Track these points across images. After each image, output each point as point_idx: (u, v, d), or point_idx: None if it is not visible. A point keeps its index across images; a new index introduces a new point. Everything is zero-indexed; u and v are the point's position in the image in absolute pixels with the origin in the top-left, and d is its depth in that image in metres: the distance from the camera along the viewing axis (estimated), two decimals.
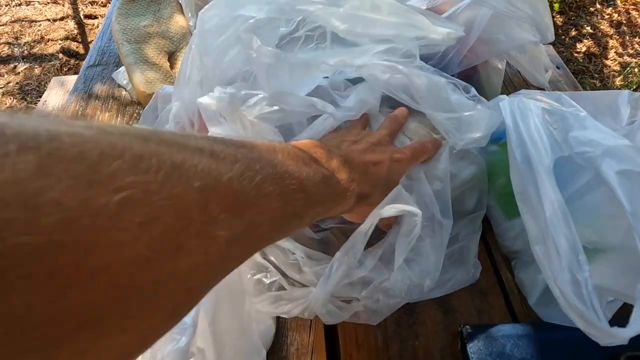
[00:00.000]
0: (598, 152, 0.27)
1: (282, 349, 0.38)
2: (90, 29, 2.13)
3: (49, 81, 1.07)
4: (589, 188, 0.29)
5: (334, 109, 0.32)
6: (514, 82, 0.70)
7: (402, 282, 0.30)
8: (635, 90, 1.41)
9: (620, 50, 2.06)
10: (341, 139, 0.32)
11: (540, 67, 0.61)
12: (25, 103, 1.80)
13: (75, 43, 2.04)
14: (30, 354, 0.09)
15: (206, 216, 0.13)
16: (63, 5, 2.29)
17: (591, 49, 2.07)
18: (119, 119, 0.62)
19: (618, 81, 1.89)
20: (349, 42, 0.36)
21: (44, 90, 1.01)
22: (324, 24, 0.32)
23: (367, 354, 0.39)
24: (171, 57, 0.63)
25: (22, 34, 2.09)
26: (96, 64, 0.70)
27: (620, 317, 0.26)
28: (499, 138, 0.42)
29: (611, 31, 2.16)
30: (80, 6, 2.26)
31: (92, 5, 2.29)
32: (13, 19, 2.15)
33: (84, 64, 0.71)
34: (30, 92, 1.87)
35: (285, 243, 0.31)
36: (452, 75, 0.57)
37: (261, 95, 0.30)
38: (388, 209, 0.28)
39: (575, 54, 2.05)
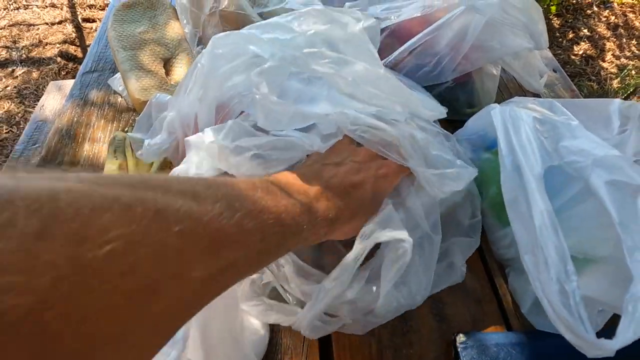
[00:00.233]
0: (588, 162, 0.27)
1: (276, 358, 0.38)
2: (89, 33, 2.13)
3: (47, 85, 1.07)
4: (580, 198, 0.29)
5: (320, 144, 0.32)
6: (509, 88, 0.71)
7: (390, 304, 0.30)
8: (632, 92, 1.42)
9: (617, 52, 2.07)
10: (323, 162, 0.31)
11: (535, 73, 0.61)
12: (23, 107, 1.80)
13: (73, 47, 2.04)
14: None
15: (183, 259, 0.14)
16: (61, 9, 2.29)
17: (588, 51, 2.07)
18: (114, 125, 0.62)
19: (615, 83, 1.90)
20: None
21: (42, 94, 1.01)
22: (331, 84, 0.34)
23: None
24: (167, 63, 0.63)
25: (20, 38, 2.09)
26: (92, 70, 0.70)
27: (612, 327, 0.26)
28: (492, 146, 0.42)
29: (608, 33, 2.17)
30: (79, 10, 2.27)
31: (90, 8, 2.29)
32: (11, 23, 2.16)
33: (80, 70, 0.71)
34: (28, 96, 1.87)
35: None
36: (446, 82, 0.57)
37: (252, 147, 0.31)
38: (378, 236, 0.28)
39: (573, 57, 2.06)
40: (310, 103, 0.33)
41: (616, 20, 2.25)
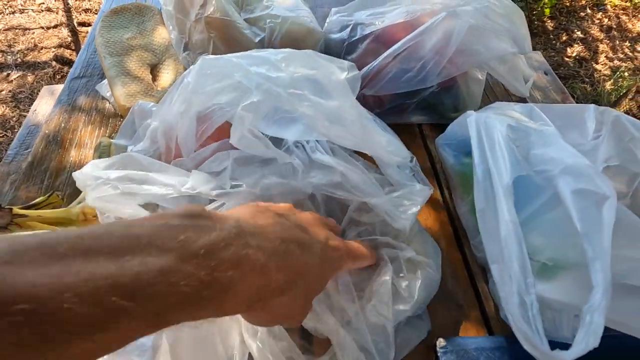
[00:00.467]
0: (556, 171, 0.27)
1: None
2: (84, 37, 2.13)
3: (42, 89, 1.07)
4: (549, 206, 0.29)
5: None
6: (496, 92, 0.71)
7: None
8: (625, 94, 1.43)
9: (610, 54, 2.08)
10: (257, 211, 0.24)
11: (520, 77, 0.61)
12: (17, 111, 1.80)
13: (68, 51, 2.04)
14: None
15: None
16: (57, 13, 2.30)
17: (582, 53, 2.08)
18: (102, 130, 0.62)
19: (608, 85, 1.91)
20: None
21: (37, 98, 1.01)
22: (309, 123, 0.35)
23: None
24: (154, 69, 0.63)
25: (16, 42, 2.09)
26: (81, 75, 0.70)
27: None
28: (472, 151, 0.43)
29: (601, 36, 2.18)
30: (74, 14, 2.27)
31: (85, 12, 2.29)
32: (7, 27, 2.16)
33: (69, 76, 0.71)
34: (23, 100, 1.88)
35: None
36: (431, 87, 0.58)
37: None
38: None
39: (566, 59, 2.07)
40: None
41: (609, 22, 2.27)
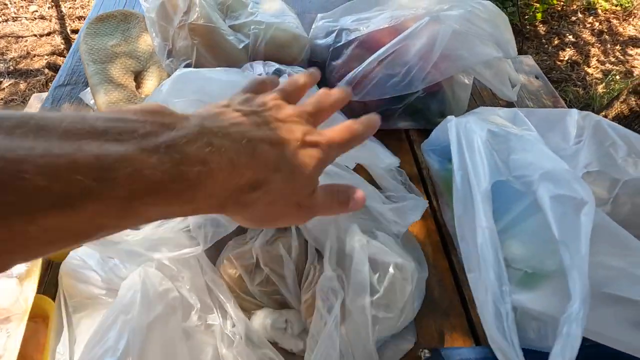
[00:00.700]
0: (535, 176, 0.27)
1: None
2: None
3: None
4: (529, 212, 0.28)
5: None
6: (483, 97, 0.71)
7: None
8: (616, 97, 1.43)
9: (602, 58, 2.09)
10: (223, 110, 0.22)
11: (506, 81, 0.61)
12: None
13: (61, 58, 2.04)
14: None
15: None
16: (50, 21, 2.29)
17: (574, 57, 2.10)
18: None
19: (600, 89, 1.92)
20: None
21: (27, 107, 1.00)
22: None
23: None
24: (138, 76, 0.63)
25: (8, 50, 2.09)
26: (65, 83, 0.70)
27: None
28: None
29: (593, 39, 2.20)
30: (68, 21, 2.27)
31: (79, 20, 2.29)
32: (0, 35, 2.15)
33: (53, 83, 0.70)
34: (15, 108, 1.87)
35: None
36: (417, 92, 0.57)
37: None
38: None
39: (558, 62, 2.08)
40: None
41: (600, 26, 2.29)
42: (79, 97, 0.66)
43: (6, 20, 2.26)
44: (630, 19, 2.30)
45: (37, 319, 0.38)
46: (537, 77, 1.50)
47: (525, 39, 2.17)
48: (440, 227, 0.51)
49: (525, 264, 0.27)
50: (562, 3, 2.40)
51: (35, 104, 1.00)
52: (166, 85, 0.37)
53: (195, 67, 0.58)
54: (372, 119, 0.26)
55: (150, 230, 0.34)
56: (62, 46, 2.11)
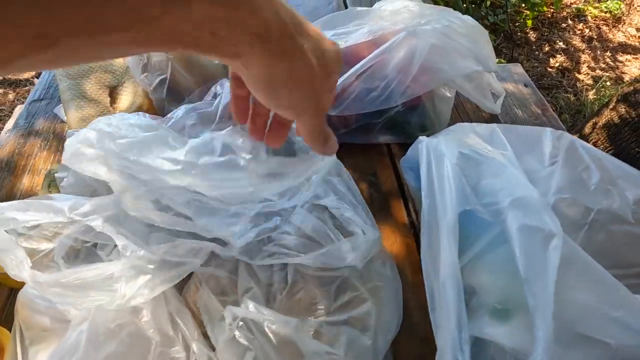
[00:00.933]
0: (504, 203, 0.25)
1: None
2: None
3: None
4: (498, 242, 0.27)
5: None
6: (467, 109, 0.70)
7: None
8: (606, 104, 1.43)
9: (592, 64, 2.10)
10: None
11: (488, 94, 0.60)
12: None
13: None
14: None
15: None
16: None
17: (564, 63, 2.11)
18: (57, 155, 0.59)
19: (591, 95, 1.92)
20: None
21: (10, 118, 0.98)
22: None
23: None
24: (113, 91, 0.61)
25: None
26: (40, 98, 0.68)
27: None
28: None
29: (583, 46, 2.21)
30: None
31: None
32: None
33: (28, 98, 0.69)
34: (3, 118, 1.84)
35: None
36: (397, 106, 0.56)
37: None
38: None
39: (549, 69, 2.09)
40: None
41: (590, 33, 2.30)
42: (54, 113, 0.65)
43: None
44: (620, 26, 2.32)
45: None
46: (526, 85, 1.49)
47: (516, 45, 2.18)
48: (420, 246, 0.50)
49: (494, 299, 0.25)
50: (552, 10, 2.41)
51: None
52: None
53: (170, 82, 0.57)
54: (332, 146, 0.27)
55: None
56: None
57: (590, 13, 2.40)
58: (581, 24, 2.36)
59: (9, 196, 0.54)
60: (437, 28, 0.49)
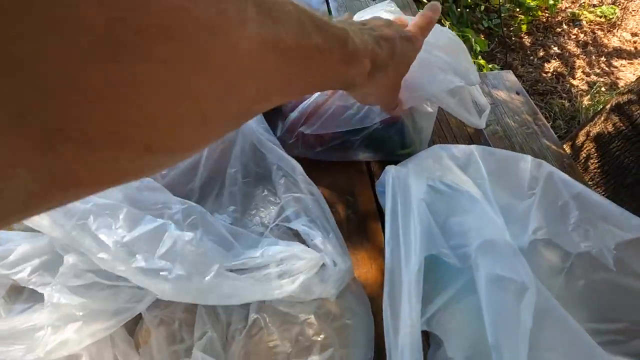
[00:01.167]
0: (474, 246, 0.23)
1: None
2: None
3: None
4: (466, 291, 0.24)
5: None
6: (451, 124, 0.67)
7: None
8: (599, 112, 1.41)
9: (587, 69, 2.09)
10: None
11: (471, 108, 0.58)
12: None
13: None
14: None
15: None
16: None
17: (559, 69, 2.09)
18: None
19: (585, 101, 1.91)
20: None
21: None
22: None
23: None
24: None
25: None
26: None
27: None
28: None
29: (578, 51, 2.20)
30: None
31: None
32: None
33: None
34: None
35: None
36: (374, 124, 0.53)
37: None
38: None
39: (544, 74, 2.07)
40: None
41: (585, 38, 2.29)
42: None
43: None
44: (615, 30, 2.31)
45: None
46: (517, 93, 1.47)
47: (510, 50, 2.16)
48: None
49: (462, 352, 0.23)
50: (547, 14, 2.40)
51: None
52: None
53: None
54: (434, 4, 0.38)
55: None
56: None
57: (586, 18, 2.38)
58: (576, 28, 2.35)
59: None
60: None
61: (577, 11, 2.43)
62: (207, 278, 0.31)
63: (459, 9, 2.00)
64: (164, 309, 0.36)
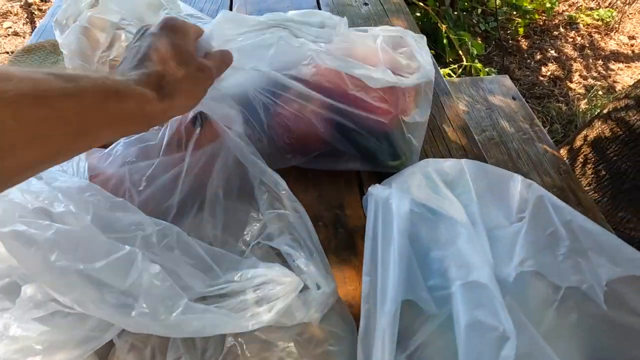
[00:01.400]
0: (452, 289, 0.21)
1: None
2: None
3: None
4: (441, 331, 0.23)
5: None
6: (443, 133, 0.65)
7: None
8: (597, 116, 1.40)
9: (584, 73, 2.08)
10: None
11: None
12: None
13: None
14: None
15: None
16: (24, 37, 2.24)
17: (556, 72, 2.08)
18: None
19: (583, 104, 1.89)
20: None
21: None
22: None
23: None
24: None
25: None
26: None
27: None
28: None
29: (575, 54, 2.19)
30: None
31: None
32: None
33: None
34: None
35: None
36: (362, 134, 0.52)
37: None
38: None
39: (541, 78, 2.06)
40: None
41: (582, 41, 2.28)
42: None
43: None
44: (612, 34, 2.30)
45: None
46: (514, 98, 1.44)
47: (507, 53, 2.15)
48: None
49: None
50: (544, 17, 2.39)
51: None
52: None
53: None
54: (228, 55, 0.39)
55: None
56: None
57: (583, 21, 2.38)
58: (573, 32, 2.34)
59: None
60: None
61: (574, 14, 2.42)
62: (174, 315, 0.29)
63: (455, 12, 1.99)
64: (136, 334, 0.34)
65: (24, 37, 2.25)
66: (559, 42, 2.29)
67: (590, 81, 2.04)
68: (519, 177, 0.31)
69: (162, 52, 0.31)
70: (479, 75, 1.74)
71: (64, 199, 0.32)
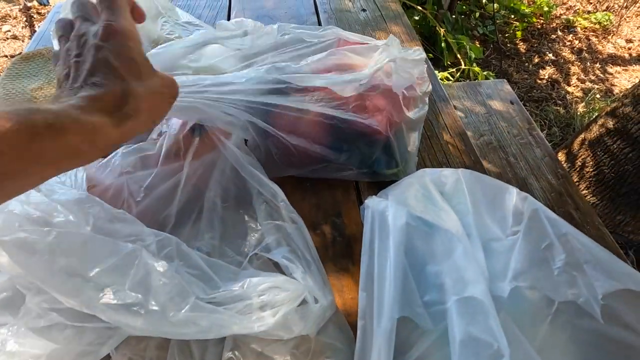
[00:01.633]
0: (448, 304, 0.21)
1: None
2: None
3: None
4: (435, 348, 0.23)
5: None
6: (441, 142, 0.66)
7: None
8: (594, 120, 1.41)
9: (582, 76, 2.09)
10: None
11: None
12: None
13: None
14: None
15: None
16: (22, 41, 2.24)
17: (554, 75, 2.09)
18: None
19: (581, 108, 1.90)
20: None
21: None
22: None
23: None
24: None
25: None
26: None
27: None
28: None
29: (573, 57, 2.20)
30: None
31: None
32: None
33: None
34: None
35: None
36: (358, 140, 0.52)
37: None
38: None
39: (539, 81, 2.07)
40: None
41: (580, 44, 2.29)
42: None
43: None
44: (609, 37, 2.31)
45: None
46: (512, 103, 1.45)
47: (505, 57, 2.16)
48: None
49: None
50: (541, 21, 2.40)
51: None
52: None
53: None
54: None
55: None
56: None
57: (580, 24, 2.39)
58: (571, 35, 2.35)
59: None
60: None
61: (572, 18, 2.43)
62: (183, 311, 0.29)
63: (453, 16, 2.00)
64: (134, 346, 0.34)
65: (22, 41, 2.25)
66: (556, 46, 2.30)
67: (588, 84, 2.05)
68: (514, 190, 0.32)
69: (115, 65, 0.26)
70: (477, 79, 1.74)
71: (63, 210, 0.32)
